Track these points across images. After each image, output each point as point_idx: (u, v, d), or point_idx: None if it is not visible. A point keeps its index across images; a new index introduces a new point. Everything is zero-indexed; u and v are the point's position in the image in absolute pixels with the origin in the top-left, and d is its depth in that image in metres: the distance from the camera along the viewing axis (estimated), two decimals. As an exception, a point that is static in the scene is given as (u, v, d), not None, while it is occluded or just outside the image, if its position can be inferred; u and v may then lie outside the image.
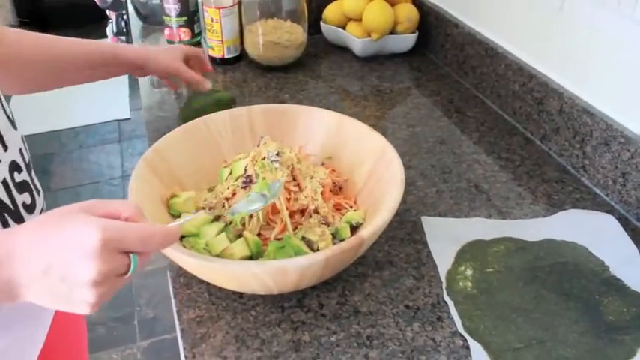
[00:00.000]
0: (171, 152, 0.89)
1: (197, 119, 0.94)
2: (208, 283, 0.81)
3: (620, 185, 0.95)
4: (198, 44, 1.52)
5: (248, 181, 0.82)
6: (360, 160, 0.90)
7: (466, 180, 1.03)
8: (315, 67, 1.45)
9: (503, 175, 1.04)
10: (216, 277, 0.73)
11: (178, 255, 0.68)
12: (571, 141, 1.04)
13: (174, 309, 0.79)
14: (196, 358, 0.73)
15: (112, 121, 3.41)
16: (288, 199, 0.81)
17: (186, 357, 0.73)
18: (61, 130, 3.35)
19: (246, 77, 1.40)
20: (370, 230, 0.70)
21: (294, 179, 0.83)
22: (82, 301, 0.53)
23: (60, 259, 0.51)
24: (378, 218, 0.71)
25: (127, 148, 3.22)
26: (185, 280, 0.84)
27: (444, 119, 1.21)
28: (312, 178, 0.85)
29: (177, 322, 0.77)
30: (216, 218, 0.83)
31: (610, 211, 0.95)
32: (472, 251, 0.87)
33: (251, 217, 0.80)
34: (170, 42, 1.52)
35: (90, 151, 3.17)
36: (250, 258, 0.78)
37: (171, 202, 0.85)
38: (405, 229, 0.92)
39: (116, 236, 0.51)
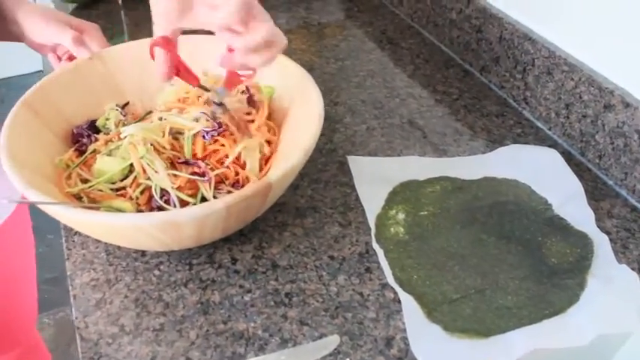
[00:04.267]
0: (59, 94, 0.76)
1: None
2: (107, 242, 0.71)
3: (563, 117, 0.87)
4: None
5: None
6: (278, 94, 0.79)
7: (399, 115, 0.93)
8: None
9: (439, 110, 0.95)
10: (98, 232, 0.62)
11: (46, 205, 0.57)
12: (512, 71, 0.95)
13: (67, 272, 0.68)
14: (90, 328, 0.63)
15: (35, 72, 3.15)
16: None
17: (78, 328, 0.63)
18: (-23, 84, 3.07)
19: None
20: (279, 173, 0.59)
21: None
22: None
23: None
24: (288, 160, 0.61)
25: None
26: (80, 238, 0.73)
27: (376, 52, 1.11)
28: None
29: (69, 288, 0.67)
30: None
31: (553, 145, 0.87)
32: (405, 193, 0.78)
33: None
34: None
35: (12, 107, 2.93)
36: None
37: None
38: (330, 171, 0.82)
39: None
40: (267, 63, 0.62)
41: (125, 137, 0.68)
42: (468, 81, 1.03)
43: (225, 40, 0.61)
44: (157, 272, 0.68)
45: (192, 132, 0.68)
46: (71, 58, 0.84)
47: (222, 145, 0.69)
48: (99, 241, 0.72)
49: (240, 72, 0.68)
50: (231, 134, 0.69)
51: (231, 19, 0.57)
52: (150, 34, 0.65)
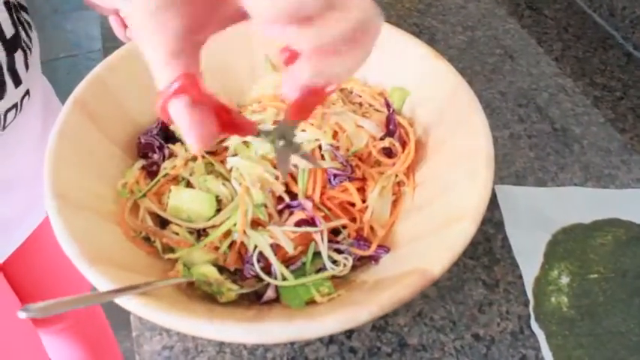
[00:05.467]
0: (120, 84, 0.57)
1: None
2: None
3: None
4: None
5: None
6: (418, 112, 0.59)
7: (549, 119, 0.73)
8: None
9: (598, 113, 0.74)
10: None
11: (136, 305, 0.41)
12: (700, 68, 0.73)
13: (133, 333, 0.53)
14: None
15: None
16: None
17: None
18: (31, -7, 2.86)
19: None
20: (444, 264, 0.42)
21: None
22: None
23: None
24: (451, 244, 0.43)
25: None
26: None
27: (512, 20, 0.88)
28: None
29: (137, 358, 0.52)
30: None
31: None
32: (568, 244, 0.60)
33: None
34: None
35: (66, 18, 2.73)
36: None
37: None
38: (469, 202, 0.64)
39: None
40: (355, 68, 0.34)
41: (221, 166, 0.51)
42: (632, 70, 0.81)
43: (281, 38, 0.32)
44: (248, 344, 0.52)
45: (308, 166, 0.51)
46: None
47: (347, 190, 0.51)
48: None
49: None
50: (360, 178, 0.51)
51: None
52: None
